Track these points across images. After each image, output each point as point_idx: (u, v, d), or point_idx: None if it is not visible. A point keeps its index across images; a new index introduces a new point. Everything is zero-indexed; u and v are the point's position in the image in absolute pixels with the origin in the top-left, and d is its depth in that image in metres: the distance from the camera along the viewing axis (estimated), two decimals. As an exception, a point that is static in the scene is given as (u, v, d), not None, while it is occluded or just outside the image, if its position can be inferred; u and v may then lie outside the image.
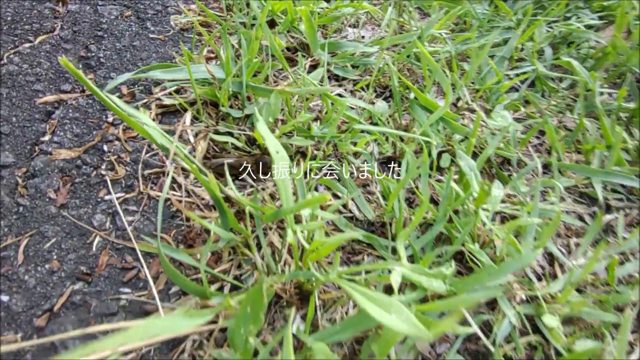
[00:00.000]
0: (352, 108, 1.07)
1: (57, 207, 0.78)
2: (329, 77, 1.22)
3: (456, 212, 0.88)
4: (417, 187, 0.95)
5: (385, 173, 1.01)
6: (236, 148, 0.92)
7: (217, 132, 0.94)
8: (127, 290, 0.70)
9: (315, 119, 1.08)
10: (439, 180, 1.01)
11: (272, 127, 0.98)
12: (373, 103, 1.15)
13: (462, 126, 1.04)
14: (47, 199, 0.78)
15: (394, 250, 0.86)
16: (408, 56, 1.21)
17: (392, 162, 1.03)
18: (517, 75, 1.31)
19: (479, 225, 0.87)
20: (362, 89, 1.19)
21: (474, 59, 1.12)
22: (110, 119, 0.94)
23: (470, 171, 0.90)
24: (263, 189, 0.88)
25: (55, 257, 0.71)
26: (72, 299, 0.67)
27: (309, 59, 1.23)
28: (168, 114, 0.98)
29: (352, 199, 0.93)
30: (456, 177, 1.04)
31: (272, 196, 0.88)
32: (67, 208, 0.78)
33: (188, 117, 0.97)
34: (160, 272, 0.73)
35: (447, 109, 0.98)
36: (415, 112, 1.05)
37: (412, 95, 1.09)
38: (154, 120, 0.96)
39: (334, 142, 1.00)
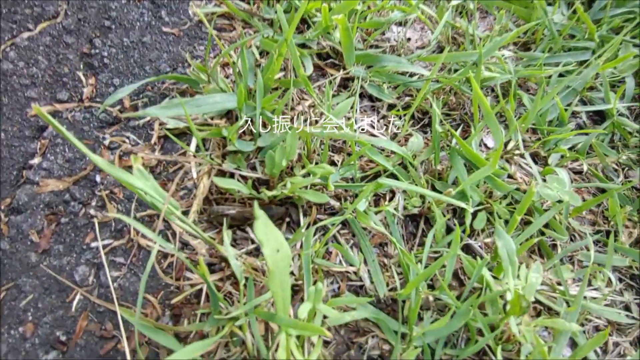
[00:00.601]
0: (381, 151, 0.93)
1: (39, 253, 0.71)
2: (360, 95, 1.06)
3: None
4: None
5: (408, 231, 0.88)
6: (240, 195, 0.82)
7: (220, 173, 0.83)
8: (103, 364, 0.65)
9: (337, 151, 0.95)
10: (467, 248, 0.88)
11: (286, 169, 0.85)
12: (409, 135, 0.99)
13: (507, 185, 0.89)
14: (29, 243, 0.71)
15: (403, 336, 0.76)
16: (458, 82, 1.02)
17: (419, 219, 0.90)
18: (587, 114, 1.10)
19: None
20: (399, 116, 1.03)
21: (537, 101, 0.93)
22: (107, 141, 0.84)
23: (507, 258, 0.76)
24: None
25: (30, 317, 0.66)
26: (44, 370, 0.62)
27: (341, 71, 1.06)
28: (171, 139, 0.87)
29: (365, 262, 0.82)
30: (488, 240, 0.91)
31: None
32: (49, 256, 0.71)
33: (193, 144, 0.86)
34: (142, 343, 0.66)
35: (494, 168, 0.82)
36: (455, 162, 0.89)
37: (454, 141, 0.92)
38: (155, 145, 0.86)
39: (354, 194, 0.88)
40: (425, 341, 0.73)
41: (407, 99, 1.07)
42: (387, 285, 0.82)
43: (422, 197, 0.90)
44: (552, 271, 0.87)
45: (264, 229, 0.54)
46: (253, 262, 0.74)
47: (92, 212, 0.76)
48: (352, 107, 0.95)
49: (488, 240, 0.92)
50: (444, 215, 0.86)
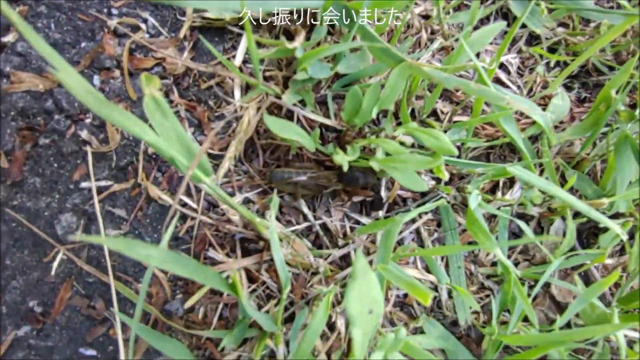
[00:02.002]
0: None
1: (7, 186, 0.49)
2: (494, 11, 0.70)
3: None
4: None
5: (510, 231, 0.64)
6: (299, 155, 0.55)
7: (276, 108, 0.55)
8: (89, 353, 0.48)
9: (444, 96, 0.65)
10: (580, 273, 0.64)
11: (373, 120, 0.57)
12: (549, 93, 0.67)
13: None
14: (-7, 166, 0.49)
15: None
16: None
17: (529, 219, 0.64)
18: None
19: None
20: (541, 55, 0.69)
21: None
22: (113, 22, 0.55)
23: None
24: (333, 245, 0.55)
25: (-6, 275, 0.47)
26: (15, 350, 0.46)
27: None
28: (209, 35, 0.57)
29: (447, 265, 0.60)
30: (610, 261, 0.67)
31: (342, 262, 0.56)
32: (22, 192, 0.50)
33: (241, 51, 0.56)
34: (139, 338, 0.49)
35: None
36: (622, 156, 0.59)
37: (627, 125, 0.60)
38: (184, 41, 0.57)
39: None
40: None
41: (561, 31, 0.70)
42: (470, 306, 0.61)
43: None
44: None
45: (361, 282, 0.30)
46: (303, 254, 0.52)
47: (84, 134, 0.51)
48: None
49: (609, 261, 0.68)
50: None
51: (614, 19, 0.65)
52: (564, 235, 0.63)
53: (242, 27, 0.58)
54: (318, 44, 0.59)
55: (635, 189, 0.57)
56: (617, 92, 0.59)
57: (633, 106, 0.69)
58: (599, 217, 0.54)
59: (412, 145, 0.61)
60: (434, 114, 0.64)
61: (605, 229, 0.65)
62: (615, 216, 0.65)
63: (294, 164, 0.56)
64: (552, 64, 0.70)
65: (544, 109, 0.66)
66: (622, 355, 0.54)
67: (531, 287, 0.65)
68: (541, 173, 0.64)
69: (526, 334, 0.57)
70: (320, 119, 0.55)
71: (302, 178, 0.52)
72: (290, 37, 0.56)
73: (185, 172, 0.40)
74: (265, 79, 0.57)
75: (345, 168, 0.45)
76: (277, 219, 0.56)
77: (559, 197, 0.55)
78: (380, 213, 0.58)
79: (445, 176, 0.50)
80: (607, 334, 0.55)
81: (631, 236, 0.67)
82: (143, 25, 0.55)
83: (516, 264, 0.64)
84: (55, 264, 0.49)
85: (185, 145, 0.42)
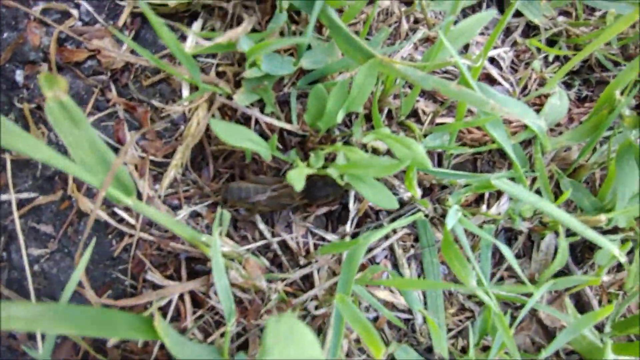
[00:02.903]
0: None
1: None
2: (486, -3, 0.62)
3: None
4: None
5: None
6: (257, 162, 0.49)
7: (228, 110, 0.48)
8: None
9: (424, 94, 0.57)
10: (572, 295, 0.58)
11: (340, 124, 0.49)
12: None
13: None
14: None
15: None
16: None
17: (517, 234, 0.58)
18: None
19: None
20: (538, 49, 0.61)
21: None
22: (39, 6, 0.47)
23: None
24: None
25: None
26: None
27: None
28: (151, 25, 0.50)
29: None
30: (605, 279, 0.60)
31: (304, 283, 0.49)
32: None
33: (190, 41, 0.49)
34: (70, 365, 0.43)
35: None
36: (624, 166, 0.52)
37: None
38: (124, 28, 0.49)
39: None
40: None
41: (562, 20, 0.62)
42: (449, 328, 0.55)
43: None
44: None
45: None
46: (256, 278, 0.46)
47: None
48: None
49: (605, 279, 0.61)
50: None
51: (622, 8, 0.57)
52: (556, 250, 0.57)
53: (192, 15, 0.50)
54: (282, 34, 0.51)
55: (637, 205, 0.50)
56: (621, 93, 0.51)
57: None
58: (595, 237, 0.47)
59: (387, 152, 0.54)
60: (415, 114, 0.57)
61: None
62: (613, 230, 0.59)
63: (251, 177, 0.49)
64: (550, 59, 0.63)
65: (539, 109, 0.59)
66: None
67: (517, 309, 0.59)
68: (533, 181, 0.57)
69: (508, 365, 0.52)
70: (279, 123, 0.48)
71: (262, 198, 0.46)
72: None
73: (100, 190, 0.34)
74: (218, 74, 0.49)
75: (298, 188, 0.38)
76: (230, 235, 0.49)
77: (549, 214, 0.48)
78: (348, 228, 0.51)
79: (417, 193, 0.43)
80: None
81: (630, 251, 0.61)
82: (75, 12, 0.48)
83: (501, 279, 0.58)
84: (-31, 288, 0.43)
85: (101, 157, 0.35)
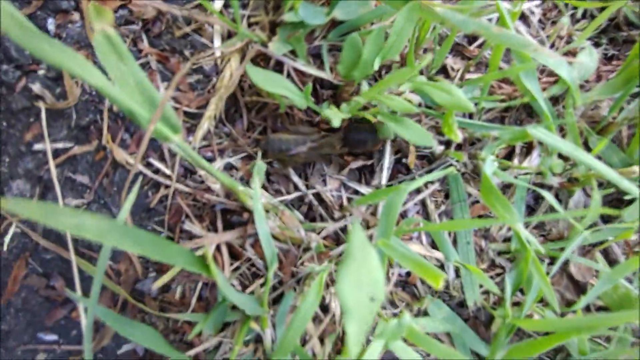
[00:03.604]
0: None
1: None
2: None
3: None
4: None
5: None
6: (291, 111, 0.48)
7: (262, 58, 0.47)
8: (49, 337, 0.43)
9: (457, 46, 0.57)
10: (602, 250, 0.58)
11: (376, 74, 0.48)
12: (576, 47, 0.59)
13: None
14: None
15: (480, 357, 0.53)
16: None
17: (547, 189, 0.58)
18: None
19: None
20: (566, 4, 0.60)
21: None
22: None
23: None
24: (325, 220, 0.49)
25: None
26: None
27: None
28: (184, -27, 0.49)
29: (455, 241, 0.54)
30: (634, 237, 0.61)
31: (338, 236, 0.49)
32: (-36, 152, 0.43)
33: (221, -8, 0.48)
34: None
35: None
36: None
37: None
38: (154, -21, 0.48)
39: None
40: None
41: (590, -24, 0.62)
42: (480, 285, 0.55)
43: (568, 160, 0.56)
44: None
45: (359, 261, 0.24)
46: (293, 228, 0.46)
47: (36, 87, 0.44)
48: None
49: (633, 237, 0.62)
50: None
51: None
52: (585, 207, 0.57)
53: (222, -36, 0.49)
54: (312, -14, 0.51)
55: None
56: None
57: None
58: (631, 187, 0.47)
59: (419, 105, 0.53)
60: (444, 71, 0.57)
61: (630, 202, 0.59)
62: (641, 187, 0.59)
63: (290, 128, 0.48)
64: (578, 15, 0.62)
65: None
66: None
67: (548, 265, 0.59)
68: (563, 138, 0.57)
69: (542, 317, 0.52)
70: (314, 71, 0.47)
71: (302, 149, 0.45)
72: (279, -25, 0.48)
73: (147, 126, 0.33)
74: (250, 25, 0.49)
75: (336, 124, 0.38)
76: (265, 187, 0.49)
77: (585, 164, 0.48)
78: (383, 180, 0.51)
79: (459, 137, 0.43)
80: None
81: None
82: (105, -40, 0.47)
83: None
84: (7, 238, 0.42)
85: (148, 95, 0.34)
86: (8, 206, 0.20)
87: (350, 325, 0.23)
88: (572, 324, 0.43)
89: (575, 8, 0.62)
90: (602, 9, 0.62)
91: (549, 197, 0.46)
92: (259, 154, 0.47)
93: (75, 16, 0.46)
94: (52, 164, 0.43)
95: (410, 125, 0.45)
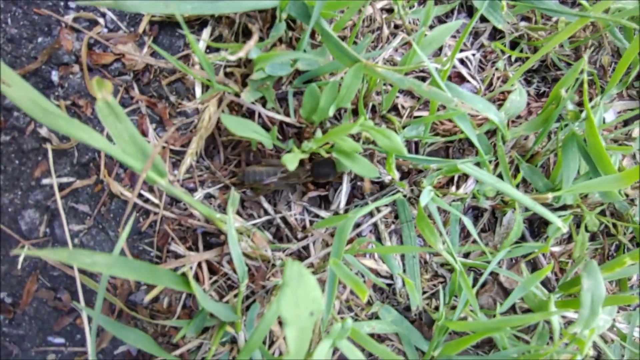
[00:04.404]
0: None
1: (-33, 182, 0.50)
2: (459, 5, 0.70)
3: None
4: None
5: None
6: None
7: (236, 106, 0.56)
8: (58, 340, 0.51)
9: (404, 91, 0.66)
10: (528, 261, 0.69)
11: (331, 117, 0.58)
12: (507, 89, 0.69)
13: (618, 194, 0.64)
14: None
15: (424, 354, 0.63)
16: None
17: (483, 211, 0.68)
18: None
19: None
20: (502, 51, 0.70)
21: None
22: (70, 16, 0.54)
23: (590, 306, 0.57)
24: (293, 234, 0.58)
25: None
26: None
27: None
28: (168, 30, 0.57)
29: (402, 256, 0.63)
30: (557, 249, 0.71)
31: (302, 253, 0.58)
32: (-17, 188, 0.51)
33: (202, 43, 0.57)
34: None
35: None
36: (568, 153, 0.63)
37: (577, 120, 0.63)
38: (144, 35, 0.56)
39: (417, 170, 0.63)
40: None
41: (523, 25, 0.72)
42: (424, 291, 0.65)
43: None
44: (624, 314, 0.70)
45: (296, 287, 0.33)
46: (262, 248, 0.55)
47: (43, 131, 0.52)
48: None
49: (557, 249, 0.72)
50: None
51: (571, 17, 0.66)
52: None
53: (202, 23, 0.58)
54: (280, 40, 0.60)
55: (579, 185, 0.60)
56: (566, 91, 0.61)
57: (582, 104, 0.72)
58: (542, 211, 0.57)
59: (374, 142, 0.63)
60: (395, 109, 0.66)
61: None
62: (563, 207, 0.69)
63: (263, 162, 0.57)
64: (513, 59, 0.72)
65: (502, 103, 0.68)
66: (557, 337, 0.60)
67: (482, 275, 0.69)
68: (496, 166, 0.67)
69: (473, 319, 0.62)
70: (279, 117, 0.56)
71: (273, 179, 0.54)
72: (249, 33, 0.57)
73: (140, 173, 0.42)
74: (227, 74, 0.57)
75: (291, 168, 0.47)
76: (239, 213, 0.58)
77: (504, 193, 0.58)
78: (342, 204, 0.61)
79: (396, 175, 0.52)
80: (540, 319, 0.60)
81: (578, 225, 0.71)
82: (101, 20, 0.55)
83: (468, 254, 0.68)
84: (20, 259, 0.51)
85: (140, 147, 0.43)
86: (43, 255, 0.29)
87: (289, 334, 0.32)
88: (489, 325, 0.53)
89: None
90: (534, 53, 0.72)
91: (469, 224, 0.56)
92: (232, 187, 0.56)
93: (76, 68, 0.54)
94: (57, 195, 0.51)
95: (359, 160, 0.55)
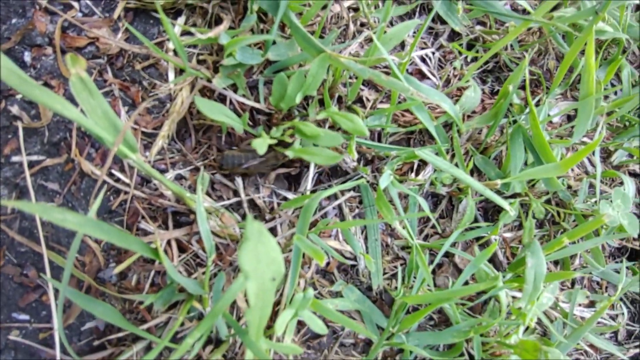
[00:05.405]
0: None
1: None
2: (420, 7, 0.76)
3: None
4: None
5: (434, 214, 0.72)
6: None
7: (208, 91, 0.59)
8: (22, 317, 0.52)
9: (369, 83, 0.71)
10: (480, 245, 0.74)
11: (298, 105, 0.61)
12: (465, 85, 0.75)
13: (559, 183, 0.71)
14: None
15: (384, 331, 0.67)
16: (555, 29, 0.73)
17: (441, 198, 0.73)
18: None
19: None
20: (459, 52, 0.76)
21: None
22: (44, 1, 0.56)
23: (533, 282, 0.63)
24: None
25: None
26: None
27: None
28: (143, 16, 0.60)
29: (366, 238, 0.67)
30: (508, 234, 0.77)
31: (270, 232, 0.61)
32: (-50, 163, 0.51)
33: (177, 29, 0.59)
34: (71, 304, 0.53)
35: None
36: (515, 144, 0.68)
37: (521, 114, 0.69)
38: (119, 21, 0.58)
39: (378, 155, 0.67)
40: (408, 342, 0.64)
41: (478, 29, 0.78)
42: (385, 272, 0.69)
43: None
44: (566, 293, 0.76)
45: (255, 242, 0.36)
46: (230, 226, 0.57)
47: (14, 109, 0.53)
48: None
49: (508, 235, 0.78)
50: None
51: (518, 22, 0.73)
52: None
53: (177, 12, 0.60)
54: (252, 32, 0.63)
55: (524, 172, 0.66)
56: (513, 87, 0.67)
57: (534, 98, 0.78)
58: (492, 195, 0.63)
59: (339, 129, 0.66)
60: (360, 100, 0.70)
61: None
62: (513, 196, 0.75)
63: (241, 146, 0.60)
64: (469, 59, 0.78)
65: (458, 99, 0.74)
66: (504, 310, 0.65)
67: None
68: (453, 157, 0.72)
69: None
70: (250, 102, 0.59)
71: (252, 163, 0.57)
72: (222, 23, 0.60)
73: (111, 147, 0.44)
74: (199, 62, 0.60)
75: (261, 152, 0.50)
76: (209, 194, 0.60)
77: (459, 179, 0.63)
78: (308, 188, 0.64)
79: (355, 156, 0.56)
80: (483, 290, 0.65)
81: (528, 214, 0.77)
82: (76, 4, 0.56)
83: (427, 236, 0.72)
84: (-14, 234, 0.51)
85: (112, 123, 0.45)
86: (11, 205, 0.31)
87: (250, 287, 0.35)
88: (438, 296, 0.57)
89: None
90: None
91: (424, 204, 0.60)
92: (202, 168, 0.58)
93: (49, 50, 0.55)
94: (27, 173, 0.52)
95: (325, 154, 0.58)
